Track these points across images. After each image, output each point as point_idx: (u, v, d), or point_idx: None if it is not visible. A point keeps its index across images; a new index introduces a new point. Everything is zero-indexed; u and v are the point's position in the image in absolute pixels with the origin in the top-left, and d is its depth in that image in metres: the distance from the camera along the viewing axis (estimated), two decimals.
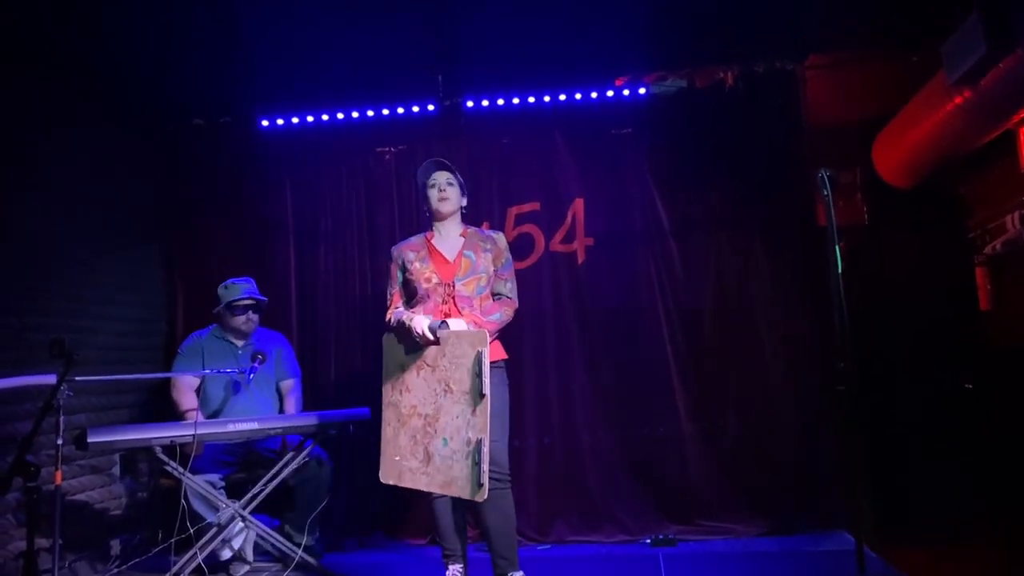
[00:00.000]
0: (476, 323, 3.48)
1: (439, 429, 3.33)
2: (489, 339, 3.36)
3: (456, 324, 3.43)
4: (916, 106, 4.66)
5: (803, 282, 4.67)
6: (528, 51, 4.73)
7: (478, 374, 3.23)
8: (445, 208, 3.66)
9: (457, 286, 3.54)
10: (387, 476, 3.49)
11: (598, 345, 4.90)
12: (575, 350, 4.91)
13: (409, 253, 3.66)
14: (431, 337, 3.37)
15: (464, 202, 3.75)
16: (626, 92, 4.95)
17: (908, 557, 3.95)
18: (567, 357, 4.91)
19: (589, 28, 4.49)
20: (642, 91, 4.95)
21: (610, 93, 4.96)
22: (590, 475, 4.80)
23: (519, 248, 4.86)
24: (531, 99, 5.02)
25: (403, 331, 3.46)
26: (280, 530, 4.23)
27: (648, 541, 4.56)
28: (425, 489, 3.39)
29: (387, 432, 3.51)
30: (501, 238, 3.75)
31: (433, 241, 3.69)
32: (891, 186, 5.28)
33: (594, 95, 4.98)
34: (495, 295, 3.68)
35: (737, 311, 4.81)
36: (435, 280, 3.56)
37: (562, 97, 5.01)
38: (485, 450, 3.17)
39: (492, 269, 3.63)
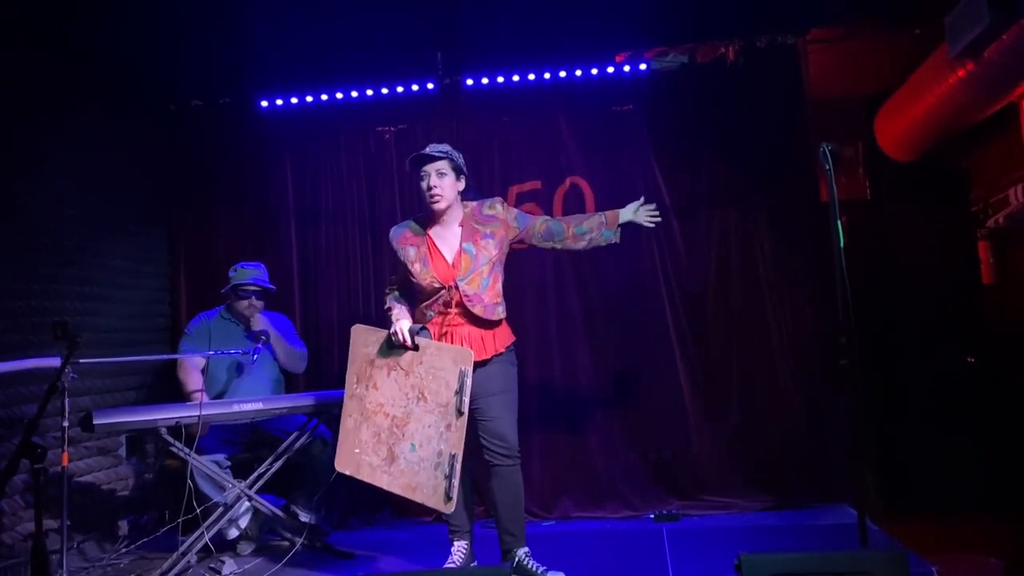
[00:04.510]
0: None
1: (407, 433, 3.37)
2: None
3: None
4: (918, 79, 4.63)
5: (805, 257, 4.67)
6: (527, 27, 4.70)
7: (458, 391, 3.25)
8: (438, 207, 3.51)
9: (461, 286, 3.49)
10: (344, 466, 3.53)
11: (600, 322, 4.90)
12: (578, 328, 4.91)
13: (410, 249, 3.56)
14: (409, 342, 3.39)
15: (462, 185, 3.58)
16: (627, 68, 4.92)
17: (910, 530, 3.97)
18: (570, 335, 4.91)
19: (589, 3, 4.45)
20: (643, 67, 4.91)
21: (611, 69, 4.93)
22: (594, 452, 4.82)
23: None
24: (531, 76, 4.99)
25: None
26: (286, 509, 4.26)
27: (652, 516, 4.58)
28: (385, 488, 3.43)
29: (347, 423, 3.54)
30: (498, 207, 3.59)
31: (432, 235, 3.58)
32: (893, 160, 5.26)
33: (594, 72, 4.95)
34: (541, 230, 3.65)
35: (739, 287, 4.81)
36: (437, 285, 3.50)
37: (562, 74, 4.98)
38: (458, 466, 3.22)
39: (496, 252, 3.53)
